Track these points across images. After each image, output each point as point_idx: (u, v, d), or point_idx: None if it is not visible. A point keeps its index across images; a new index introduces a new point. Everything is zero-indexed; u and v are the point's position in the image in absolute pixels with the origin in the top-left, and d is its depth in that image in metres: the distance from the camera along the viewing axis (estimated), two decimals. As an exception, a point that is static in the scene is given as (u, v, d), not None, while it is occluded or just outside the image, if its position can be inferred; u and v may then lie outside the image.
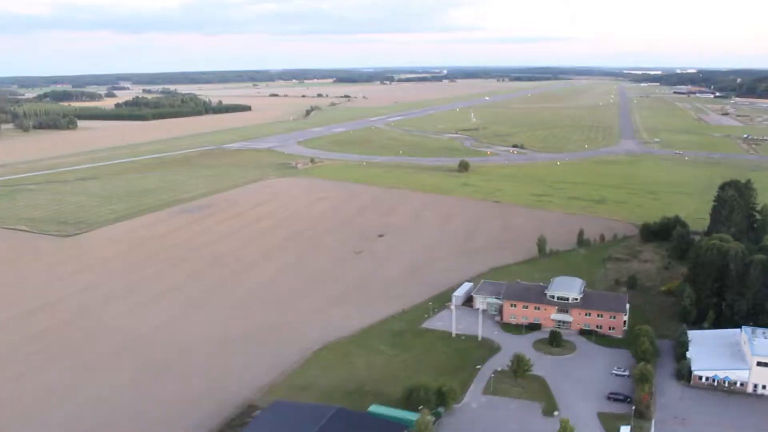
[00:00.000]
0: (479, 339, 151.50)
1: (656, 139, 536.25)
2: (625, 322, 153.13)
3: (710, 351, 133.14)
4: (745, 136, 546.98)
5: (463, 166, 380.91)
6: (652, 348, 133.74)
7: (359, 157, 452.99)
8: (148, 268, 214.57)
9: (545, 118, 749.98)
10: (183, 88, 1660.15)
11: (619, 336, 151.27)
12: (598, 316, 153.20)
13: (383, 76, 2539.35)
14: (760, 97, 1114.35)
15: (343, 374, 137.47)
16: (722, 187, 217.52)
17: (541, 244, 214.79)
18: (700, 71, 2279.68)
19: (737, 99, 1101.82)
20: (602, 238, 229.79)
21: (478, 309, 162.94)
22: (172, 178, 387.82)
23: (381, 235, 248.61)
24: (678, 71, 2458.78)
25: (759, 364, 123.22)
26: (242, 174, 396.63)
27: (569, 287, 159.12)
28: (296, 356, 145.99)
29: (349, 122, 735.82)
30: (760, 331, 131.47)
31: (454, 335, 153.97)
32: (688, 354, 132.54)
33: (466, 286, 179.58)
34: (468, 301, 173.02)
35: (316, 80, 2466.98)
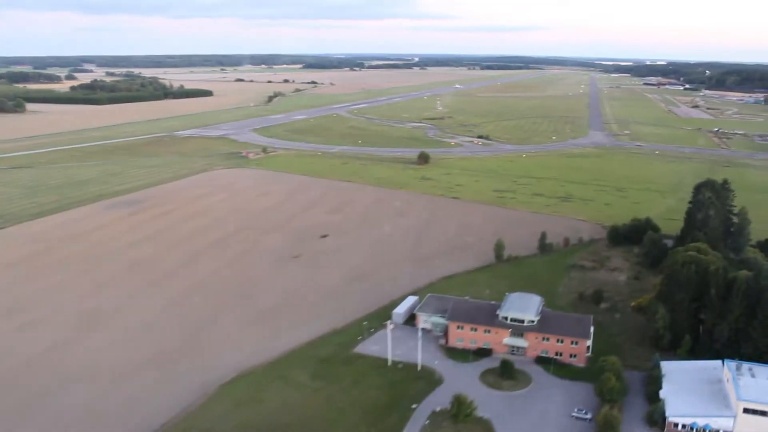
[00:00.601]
0: (419, 368, 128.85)
1: (626, 132, 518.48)
2: (588, 347, 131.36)
3: (688, 389, 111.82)
4: (716, 129, 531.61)
5: (423, 158, 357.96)
6: (619, 385, 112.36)
7: (316, 147, 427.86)
8: (55, 275, 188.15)
9: (513, 107, 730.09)
10: (148, 72, 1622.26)
11: (582, 365, 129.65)
12: (557, 341, 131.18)
13: (353, 63, 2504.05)
14: (729, 90, 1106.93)
15: (252, 415, 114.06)
16: (698, 188, 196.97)
17: (499, 249, 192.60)
18: (669, 63, 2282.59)
19: (707, 91, 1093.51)
20: (566, 241, 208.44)
21: (421, 329, 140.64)
22: (110, 168, 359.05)
23: (324, 236, 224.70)
24: (648, 63, 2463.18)
25: (746, 410, 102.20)
26: (187, 164, 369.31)
27: (525, 307, 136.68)
28: (199, 391, 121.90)
29: (312, 109, 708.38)
30: (745, 367, 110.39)
31: (390, 363, 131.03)
32: (662, 393, 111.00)
33: (410, 301, 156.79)
34: (411, 318, 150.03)
35: (285, 66, 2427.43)
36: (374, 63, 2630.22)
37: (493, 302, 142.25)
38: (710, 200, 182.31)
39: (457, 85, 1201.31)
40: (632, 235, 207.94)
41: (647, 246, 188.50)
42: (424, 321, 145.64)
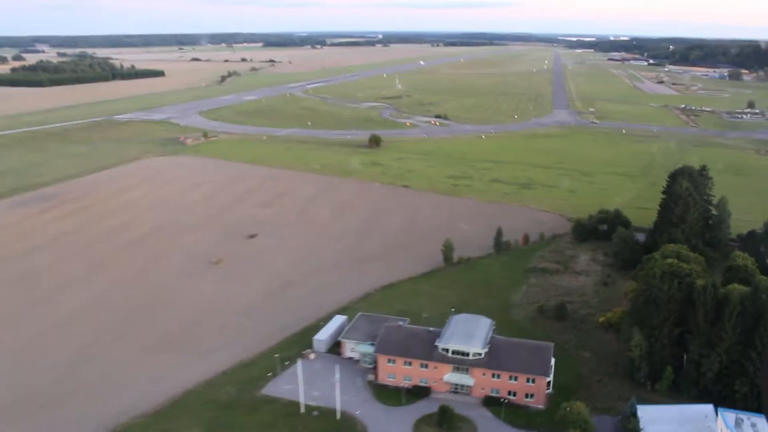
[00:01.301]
0: (337, 416, 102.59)
1: (591, 109, 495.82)
2: (549, 384, 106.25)
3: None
4: (683, 106, 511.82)
5: (374, 141, 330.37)
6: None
7: (262, 130, 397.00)
8: None
9: (475, 85, 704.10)
10: (104, 52, 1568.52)
11: (540, 407, 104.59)
12: (510, 378, 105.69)
13: (316, 41, 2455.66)
14: (692, 65, 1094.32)
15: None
16: (673, 177, 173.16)
17: (448, 250, 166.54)
18: (633, 39, 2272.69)
19: (671, 67, 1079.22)
20: (526, 239, 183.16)
21: (348, 359, 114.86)
22: (32, 158, 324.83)
23: (252, 236, 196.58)
24: (612, 38, 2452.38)
25: (752, 485, 78.19)
26: (119, 152, 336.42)
27: (470, 335, 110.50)
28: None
29: (266, 89, 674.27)
30: (747, 423, 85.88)
31: (303, 409, 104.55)
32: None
33: (336, 323, 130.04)
34: (337, 345, 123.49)
35: (246, 44, 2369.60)
36: (336, 41, 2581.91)
37: (431, 329, 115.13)
38: (688, 191, 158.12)
39: (421, 62, 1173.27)
40: (600, 229, 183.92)
41: (617, 245, 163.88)
42: (350, 349, 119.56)
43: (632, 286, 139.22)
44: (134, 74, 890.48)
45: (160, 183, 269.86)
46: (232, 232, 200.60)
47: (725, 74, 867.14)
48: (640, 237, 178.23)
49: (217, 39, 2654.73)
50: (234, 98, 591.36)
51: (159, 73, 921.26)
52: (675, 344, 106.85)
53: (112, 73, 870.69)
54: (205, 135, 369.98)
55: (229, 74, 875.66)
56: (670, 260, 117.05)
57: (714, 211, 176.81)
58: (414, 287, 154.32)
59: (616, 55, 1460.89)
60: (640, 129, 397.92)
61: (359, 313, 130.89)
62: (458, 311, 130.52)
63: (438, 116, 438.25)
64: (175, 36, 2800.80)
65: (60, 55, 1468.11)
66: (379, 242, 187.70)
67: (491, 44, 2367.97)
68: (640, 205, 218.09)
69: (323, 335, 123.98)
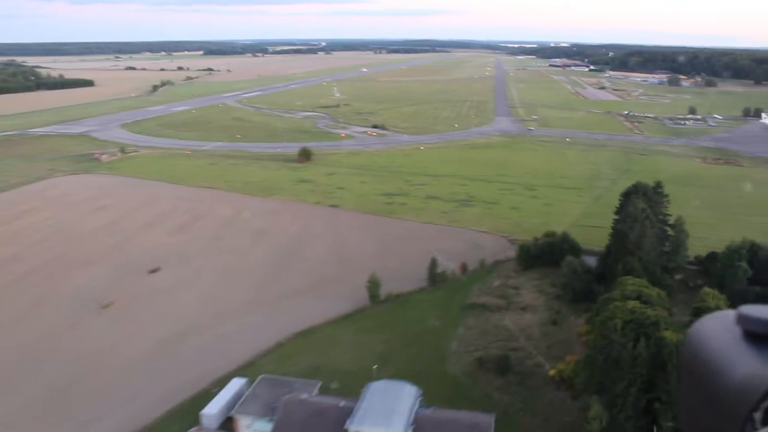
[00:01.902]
0: None
1: (533, 117, 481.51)
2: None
3: None
4: (626, 112, 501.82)
5: (304, 155, 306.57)
6: None
7: (187, 144, 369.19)
8: None
9: (416, 92, 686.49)
10: (37, 60, 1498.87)
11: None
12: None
13: (258, 49, 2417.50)
14: (632, 70, 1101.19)
15: None
16: (627, 196, 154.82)
17: (373, 287, 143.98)
18: (573, 45, 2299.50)
19: (611, 72, 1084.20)
20: (464, 268, 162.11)
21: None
22: None
23: (154, 270, 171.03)
24: (552, 45, 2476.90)
25: None
26: (25, 170, 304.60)
27: (390, 412, 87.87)
28: None
29: (198, 99, 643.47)
30: None
31: None
32: None
33: (233, 389, 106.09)
34: (230, 421, 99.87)
35: (187, 53, 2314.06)
36: (279, 48, 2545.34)
37: (342, 403, 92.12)
38: (644, 213, 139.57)
39: (364, 69, 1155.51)
40: (546, 253, 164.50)
41: (566, 275, 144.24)
42: (246, 427, 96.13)
43: (585, 328, 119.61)
44: (61, 84, 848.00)
45: (63, 207, 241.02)
46: (132, 266, 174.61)
47: (664, 80, 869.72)
48: (591, 261, 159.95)
49: (156, 47, 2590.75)
50: (163, 109, 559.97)
51: (88, 83, 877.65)
52: (643, 415, 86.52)
53: (37, 83, 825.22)
54: (123, 150, 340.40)
55: (163, 84, 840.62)
56: (631, 304, 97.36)
57: (670, 231, 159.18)
58: (333, 334, 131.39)
59: (557, 61, 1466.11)
60: (584, 137, 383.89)
61: (261, 376, 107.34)
62: (383, 367, 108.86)
63: (375, 126, 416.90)
64: (113, 44, 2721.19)
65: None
66: (299, 275, 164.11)
67: (434, 51, 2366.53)
68: (589, 223, 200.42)
69: (213, 408, 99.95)
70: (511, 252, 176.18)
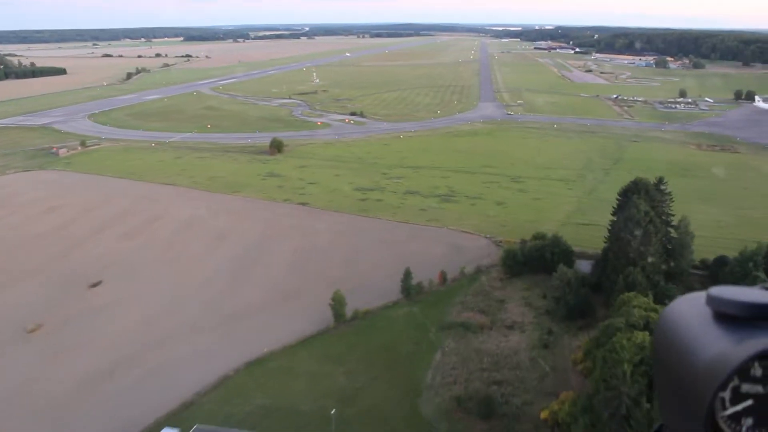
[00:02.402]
0: None
1: (519, 102, 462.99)
2: None
3: None
4: (615, 96, 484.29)
5: (276, 147, 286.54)
6: None
7: (154, 136, 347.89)
8: None
9: (398, 77, 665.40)
10: (10, 48, 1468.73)
11: None
12: None
13: (239, 35, 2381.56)
14: (618, 53, 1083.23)
15: None
16: (625, 195, 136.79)
17: (338, 305, 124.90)
18: (558, 27, 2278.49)
19: (597, 55, 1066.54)
20: (443, 278, 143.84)
21: None
22: None
23: (95, 284, 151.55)
24: (537, 27, 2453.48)
25: None
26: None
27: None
28: None
29: (173, 87, 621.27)
30: None
31: None
32: None
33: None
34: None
35: (167, 39, 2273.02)
36: (261, 34, 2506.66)
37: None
38: (648, 217, 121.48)
39: (347, 54, 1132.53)
40: (535, 259, 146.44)
41: (559, 288, 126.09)
42: (169, 498, 77.77)
43: (581, 355, 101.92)
44: (31, 73, 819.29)
45: (10, 208, 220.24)
46: (72, 279, 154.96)
47: (651, 62, 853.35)
48: (585, 267, 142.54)
49: (136, 34, 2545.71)
50: (134, 98, 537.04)
51: (60, 71, 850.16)
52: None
53: (5, 72, 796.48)
54: (83, 144, 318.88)
55: (138, 71, 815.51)
56: (640, 337, 79.52)
57: (674, 233, 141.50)
58: (290, 363, 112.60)
59: (542, 43, 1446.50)
60: (573, 123, 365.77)
61: (195, 426, 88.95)
62: (344, 407, 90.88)
63: (353, 114, 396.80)
64: (91, 31, 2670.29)
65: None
66: (256, 289, 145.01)
67: (418, 35, 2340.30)
68: (582, 221, 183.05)
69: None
70: (496, 255, 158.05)
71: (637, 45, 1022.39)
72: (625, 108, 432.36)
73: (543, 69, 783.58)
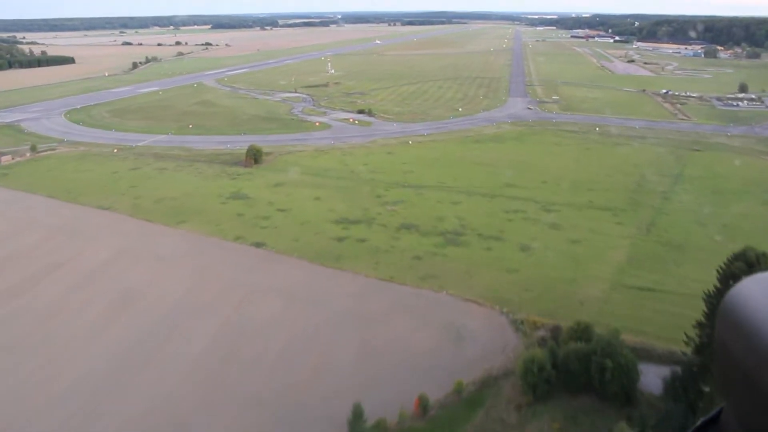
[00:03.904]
0: None
1: (554, 97, 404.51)
2: None
3: None
4: (664, 91, 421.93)
5: (252, 157, 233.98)
6: None
7: (124, 138, 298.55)
8: None
9: (421, 67, 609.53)
10: (37, 37, 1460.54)
11: None
12: None
13: (268, 22, 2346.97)
14: (661, 41, 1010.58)
15: None
16: (724, 280, 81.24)
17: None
18: (595, 15, 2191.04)
19: (639, 43, 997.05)
20: (420, 407, 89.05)
21: None
22: None
23: None
24: (573, 15, 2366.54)
25: None
26: None
27: None
28: None
29: (177, 77, 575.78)
30: None
31: None
32: None
33: None
34: None
35: (196, 27, 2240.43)
36: (290, 22, 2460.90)
37: None
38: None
39: (377, 41, 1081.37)
40: (575, 375, 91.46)
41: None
42: None
43: None
44: (37, 62, 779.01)
45: None
46: None
47: (699, 51, 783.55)
48: (653, 380, 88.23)
49: (164, 22, 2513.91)
50: (128, 90, 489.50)
51: (68, 60, 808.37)
52: None
53: (9, 62, 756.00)
54: (34, 149, 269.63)
55: (148, 60, 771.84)
56: None
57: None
58: None
59: (579, 31, 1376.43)
60: (618, 124, 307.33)
61: None
62: None
63: (361, 111, 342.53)
64: (121, 19, 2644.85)
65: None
66: (139, 410, 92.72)
67: (450, 23, 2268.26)
68: (640, 281, 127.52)
69: None
70: (516, 349, 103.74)
71: (692, 33, 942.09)
72: (678, 105, 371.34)
73: (580, 59, 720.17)
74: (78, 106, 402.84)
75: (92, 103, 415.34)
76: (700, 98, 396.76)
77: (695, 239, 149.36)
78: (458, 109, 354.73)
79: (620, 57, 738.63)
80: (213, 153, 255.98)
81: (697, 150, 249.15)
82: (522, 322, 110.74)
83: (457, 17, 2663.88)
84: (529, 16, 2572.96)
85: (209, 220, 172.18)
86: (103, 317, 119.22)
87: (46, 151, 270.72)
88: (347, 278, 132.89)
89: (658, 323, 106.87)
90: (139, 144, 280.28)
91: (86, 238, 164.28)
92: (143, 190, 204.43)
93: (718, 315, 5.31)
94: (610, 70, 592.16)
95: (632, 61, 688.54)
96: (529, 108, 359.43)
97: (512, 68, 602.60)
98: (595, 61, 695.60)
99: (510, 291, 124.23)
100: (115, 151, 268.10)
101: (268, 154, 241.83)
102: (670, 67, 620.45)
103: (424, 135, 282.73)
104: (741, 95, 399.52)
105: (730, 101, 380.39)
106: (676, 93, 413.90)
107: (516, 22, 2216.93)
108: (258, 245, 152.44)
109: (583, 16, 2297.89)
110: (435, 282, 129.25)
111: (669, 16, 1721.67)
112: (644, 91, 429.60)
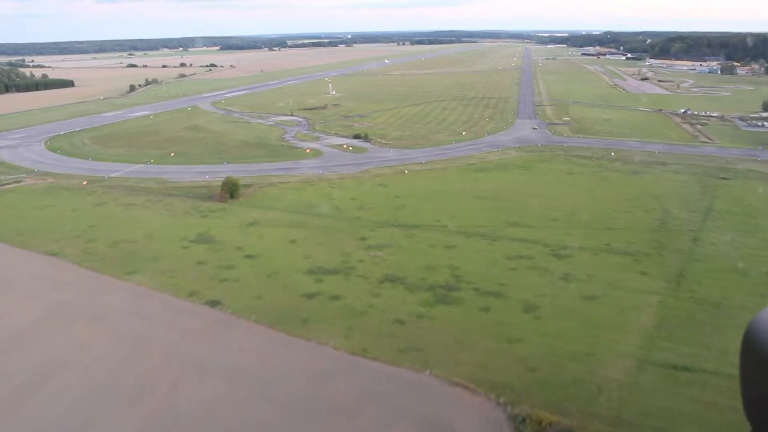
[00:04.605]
0: None
1: (565, 118, 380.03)
2: None
3: None
4: (683, 111, 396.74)
5: (228, 191, 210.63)
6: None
7: (99, 168, 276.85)
8: None
9: (426, 87, 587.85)
10: (46, 60, 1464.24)
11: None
12: None
13: (277, 43, 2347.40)
14: (675, 58, 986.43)
15: None
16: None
17: None
18: (606, 33, 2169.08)
19: (652, 60, 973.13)
20: None
21: None
22: None
23: None
24: (584, 33, 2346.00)
25: None
26: None
27: None
28: None
29: (173, 101, 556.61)
30: None
31: None
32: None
33: None
34: None
35: (206, 48, 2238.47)
36: (299, 42, 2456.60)
37: None
38: None
39: (386, 61, 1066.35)
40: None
41: None
42: None
43: None
44: (35, 85, 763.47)
45: None
46: None
47: (716, 68, 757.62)
48: None
49: (174, 43, 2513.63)
50: (118, 115, 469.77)
51: (68, 84, 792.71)
52: None
53: (6, 86, 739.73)
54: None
55: (147, 83, 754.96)
56: None
57: None
58: None
59: (590, 49, 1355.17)
60: (635, 148, 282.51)
61: None
62: None
63: (357, 136, 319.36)
64: (131, 41, 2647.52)
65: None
66: None
67: (460, 42, 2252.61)
68: (673, 357, 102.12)
69: None
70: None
71: (708, 50, 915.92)
72: (698, 126, 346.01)
73: (592, 77, 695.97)
74: (62, 132, 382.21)
75: (77, 129, 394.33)
76: (722, 118, 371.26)
77: (735, 295, 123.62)
78: (462, 133, 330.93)
79: (633, 75, 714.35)
80: (188, 185, 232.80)
81: (725, 179, 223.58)
82: (524, 420, 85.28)
83: (467, 36, 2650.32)
84: (539, 34, 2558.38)
85: (164, 270, 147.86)
86: (6, 403, 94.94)
87: (11, 183, 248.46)
88: (311, 350, 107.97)
89: (699, 419, 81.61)
90: (111, 175, 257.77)
91: (19, 293, 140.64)
92: (101, 231, 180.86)
93: (742, 341, 5.46)
94: (622, 88, 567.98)
95: (646, 78, 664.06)
96: (534, 128, 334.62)
97: (521, 87, 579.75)
98: (607, 79, 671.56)
99: (510, 371, 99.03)
100: (84, 183, 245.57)
101: (247, 186, 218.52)
102: (685, 85, 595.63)
103: (421, 163, 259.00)
104: (766, 114, 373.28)
105: (754, 122, 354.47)
106: (696, 112, 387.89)
107: (526, 40, 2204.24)
108: (213, 304, 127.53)
109: (594, 33, 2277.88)
110: (417, 356, 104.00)
111: (682, 32, 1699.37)
112: (661, 110, 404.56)
